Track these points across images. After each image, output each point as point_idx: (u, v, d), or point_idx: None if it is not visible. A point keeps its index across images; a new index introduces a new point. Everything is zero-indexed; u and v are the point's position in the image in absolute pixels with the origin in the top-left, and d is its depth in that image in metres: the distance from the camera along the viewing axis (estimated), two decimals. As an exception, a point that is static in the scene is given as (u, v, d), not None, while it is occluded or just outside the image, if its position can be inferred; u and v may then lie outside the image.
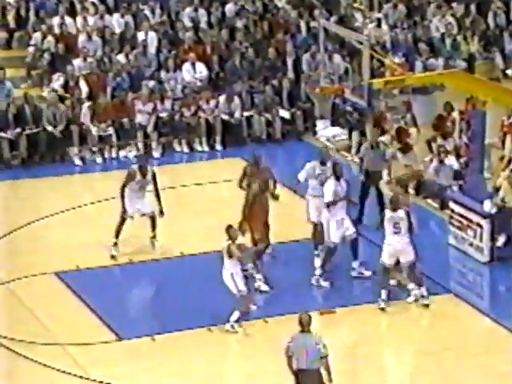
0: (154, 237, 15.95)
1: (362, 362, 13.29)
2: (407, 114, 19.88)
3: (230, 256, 13.71)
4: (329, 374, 11.17)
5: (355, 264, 15.23)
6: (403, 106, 20.24)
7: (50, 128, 19.71)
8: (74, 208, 17.71)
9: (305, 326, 11.19)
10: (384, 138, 19.76)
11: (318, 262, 15.20)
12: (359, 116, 20.77)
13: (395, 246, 14.30)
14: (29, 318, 14.18)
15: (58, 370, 12.97)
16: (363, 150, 17.47)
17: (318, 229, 15.32)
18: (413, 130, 19.48)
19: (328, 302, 14.55)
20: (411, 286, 14.47)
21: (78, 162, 20.00)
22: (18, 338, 13.60)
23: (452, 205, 16.46)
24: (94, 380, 12.80)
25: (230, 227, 13.84)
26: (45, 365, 13.08)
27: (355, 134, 20.54)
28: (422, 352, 13.43)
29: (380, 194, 17.03)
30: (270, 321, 14.08)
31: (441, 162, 18.11)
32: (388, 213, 14.38)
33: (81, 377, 12.87)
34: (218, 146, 20.67)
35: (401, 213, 14.30)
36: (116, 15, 22.31)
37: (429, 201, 17.90)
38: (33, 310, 14.32)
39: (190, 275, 15.29)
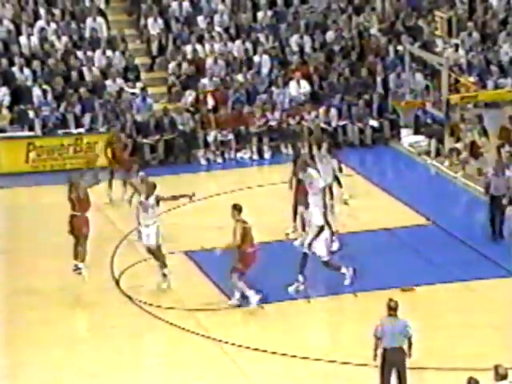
0: None
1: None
2: (479, 125, 19.77)
3: None
4: (410, 350, 10.94)
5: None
6: (476, 118, 20.08)
7: (181, 127, 20.22)
8: (205, 198, 17.80)
9: (393, 310, 10.91)
10: (458, 146, 19.76)
11: None
12: (438, 126, 20.74)
13: None
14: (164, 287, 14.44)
15: (183, 329, 13.24)
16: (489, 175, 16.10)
17: None
18: (483, 139, 19.37)
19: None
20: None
21: (203, 162, 20.39)
22: (156, 304, 13.98)
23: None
24: (214, 339, 13.03)
25: None
26: (175, 325, 13.39)
27: (434, 141, 20.50)
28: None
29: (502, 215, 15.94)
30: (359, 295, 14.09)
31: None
32: None
33: (203, 335, 13.14)
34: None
35: None
36: (237, 42, 22.45)
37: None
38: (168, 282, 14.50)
39: (293, 257, 15.12)
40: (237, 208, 13.72)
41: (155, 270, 14.61)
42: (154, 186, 14.52)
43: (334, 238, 15.34)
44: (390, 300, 11.04)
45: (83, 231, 14.47)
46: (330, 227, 15.12)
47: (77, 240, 14.54)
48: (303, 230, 15.53)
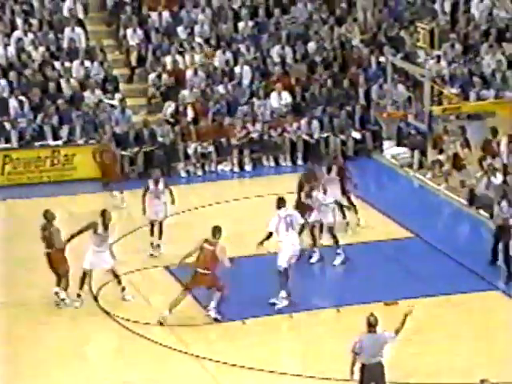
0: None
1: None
2: (461, 137, 19.71)
3: None
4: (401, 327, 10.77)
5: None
6: (459, 129, 20.00)
7: (160, 139, 20.14)
8: (183, 212, 17.72)
9: (372, 327, 10.75)
10: (441, 157, 19.71)
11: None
12: (420, 138, 20.70)
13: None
14: (143, 303, 14.43)
15: (165, 346, 13.12)
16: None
17: None
18: (466, 151, 19.33)
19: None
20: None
21: (183, 174, 20.30)
22: (134, 320, 13.85)
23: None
24: (194, 355, 12.90)
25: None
26: (155, 342, 13.27)
27: (417, 153, 20.47)
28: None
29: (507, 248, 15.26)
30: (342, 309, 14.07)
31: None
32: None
33: (185, 352, 12.99)
34: (300, 162, 20.71)
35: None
36: (218, 53, 22.34)
37: (481, 211, 17.65)
38: (147, 297, 14.57)
39: (275, 271, 14.99)
40: (215, 229, 13.89)
41: (133, 284, 14.44)
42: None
43: (339, 251, 15.48)
44: (371, 315, 10.89)
45: (62, 268, 14.14)
46: (336, 241, 15.37)
47: (58, 276, 14.23)
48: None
